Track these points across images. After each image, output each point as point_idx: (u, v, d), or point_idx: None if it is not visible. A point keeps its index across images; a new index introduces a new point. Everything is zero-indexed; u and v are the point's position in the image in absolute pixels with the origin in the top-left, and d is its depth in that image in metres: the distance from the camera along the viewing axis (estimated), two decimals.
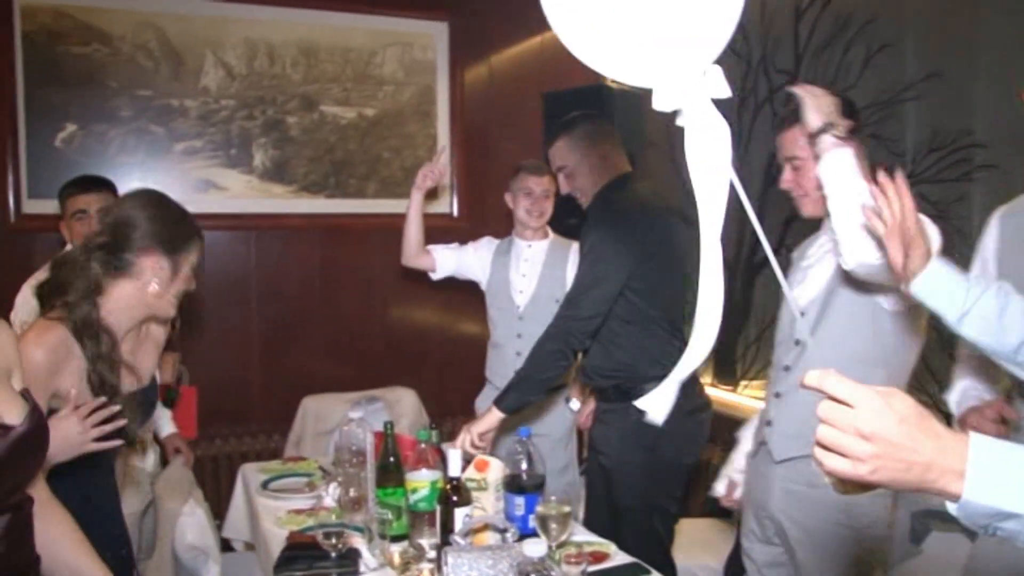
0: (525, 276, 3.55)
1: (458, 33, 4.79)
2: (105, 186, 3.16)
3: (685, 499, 3.55)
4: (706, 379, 4.03)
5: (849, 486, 1.00)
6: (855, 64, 3.30)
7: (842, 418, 0.96)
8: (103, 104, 4.17)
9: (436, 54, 4.77)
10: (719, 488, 2.58)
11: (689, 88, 1.15)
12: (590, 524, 2.67)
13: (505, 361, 3.49)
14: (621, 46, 1.13)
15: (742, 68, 3.70)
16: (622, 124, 3.65)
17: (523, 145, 4.54)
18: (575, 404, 3.51)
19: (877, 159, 3.06)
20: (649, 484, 2.80)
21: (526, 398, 2.77)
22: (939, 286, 1.66)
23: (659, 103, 1.18)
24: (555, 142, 2.94)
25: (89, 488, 2.00)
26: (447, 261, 3.75)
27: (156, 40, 4.24)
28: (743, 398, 3.98)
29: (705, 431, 2.95)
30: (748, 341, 3.80)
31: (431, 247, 3.76)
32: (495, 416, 2.71)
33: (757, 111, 3.63)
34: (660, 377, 2.62)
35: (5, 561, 1.35)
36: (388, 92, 4.69)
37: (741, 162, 3.74)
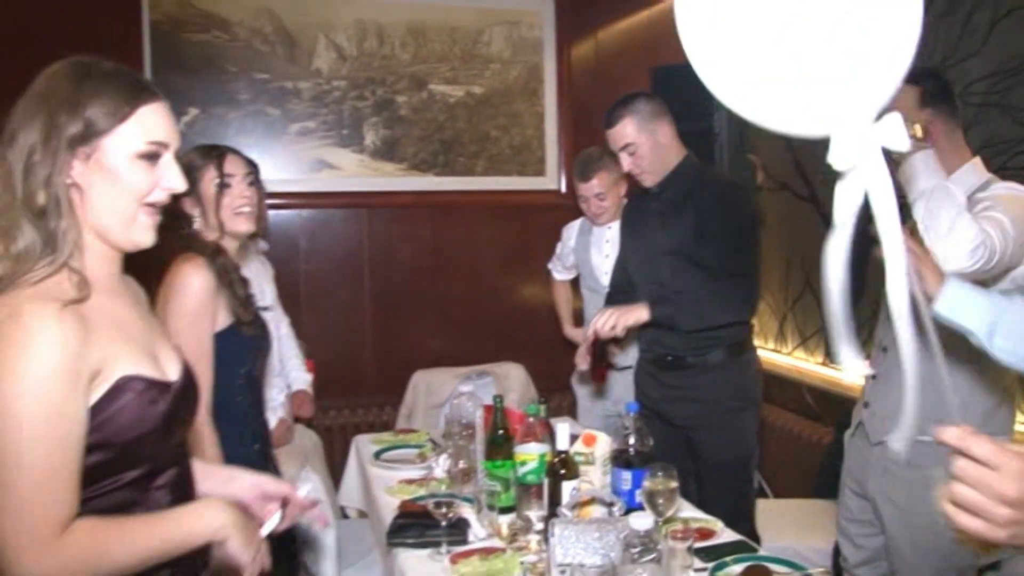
0: (608, 257, 3.67)
1: (564, 10, 4.77)
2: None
3: (793, 480, 3.52)
4: (817, 358, 3.94)
5: (979, 544, 0.98)
6: (980, 30, 3.14)
7: (985, 480, 0.94)
8: (222, 88, 4.33)
9: (542, 31, 4.77)
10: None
11: (864, 140, 0.98)
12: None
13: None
14: (790, 93, 0.96)
15: None
16: None
17: None
18: None
19: (1002, 130, 2.93)
20: (736, 446, 2.84)
21: (676, 320, 2.79)
22: (962, 303, 1.65)
23: (838, 160, 1.00)
24: (618, 122, 2.86)
25: None
26: (567, 274, 4.05)
27: (271, 25, 4.38)
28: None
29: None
30: (862, 319, 3.69)
31: (556, 280, 4.12)
32: (644, 313, 2.74)
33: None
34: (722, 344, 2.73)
35: None
36: (495, 70, 4.72)
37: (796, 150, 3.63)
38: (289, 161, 4.41)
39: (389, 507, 2.47)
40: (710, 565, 2.00)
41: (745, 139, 3.65)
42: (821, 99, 0.95)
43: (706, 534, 2.23)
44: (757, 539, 2.75)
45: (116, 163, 1.33)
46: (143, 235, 1.38)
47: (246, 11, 4.34)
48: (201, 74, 4.29)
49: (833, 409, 3.62)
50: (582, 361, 2.95)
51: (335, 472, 3.69)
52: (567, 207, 4.60)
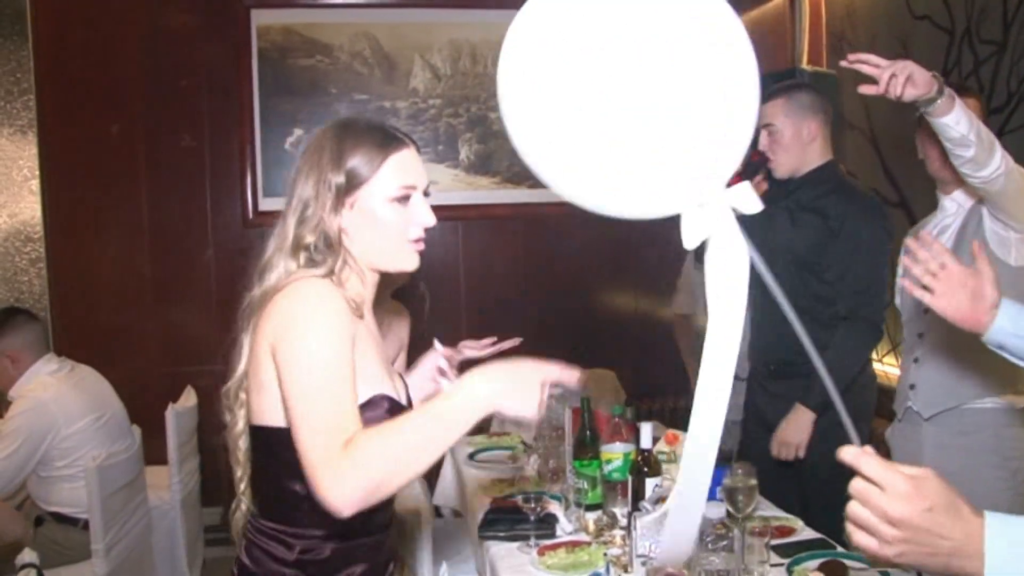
0: None
1: None
2: None
3: None
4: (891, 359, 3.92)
5: (873, 560, 1.03)
6: None
7: (872, 499, 0.99)
8: (325, 109, 4.58)
9: None
10: None
11: (715, 213, 1.00)
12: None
13: (699, 334, 3.67)
14: (630, 183, 0.97)
15: (944, 40, 3.56)
16: None
17: None
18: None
19: None
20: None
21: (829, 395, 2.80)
22: (1017, 329, 1.61)
23: (689, 238, 1.02)
24: (770, 100, 2.81)
25: None
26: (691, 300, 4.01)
27: (370, 48, 4.60)
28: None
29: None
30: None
31: (678, 316, 4.10)
32: (809, 419, 2.74)
33: (962, 86, 3.48)
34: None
35: None
36: None
37: None
38: None
39: (482, 504, 2.59)
40: (787, 561, 2.07)
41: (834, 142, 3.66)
42: (665, 184, 0.96)
43: (785, 531, 2.29)
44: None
45: (373, 206, 1.55)
46: (407, 262, 1.62)
47: (346, 36, 4.57)
48: (305, 97, 4.55)
49: None
50: None
51: (431, 474, 3.84)
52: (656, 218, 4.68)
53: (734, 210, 0.97)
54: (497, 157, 4.78)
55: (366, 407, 1.49)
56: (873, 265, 2.77)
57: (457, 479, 3.16)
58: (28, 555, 2.24)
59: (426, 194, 1.62)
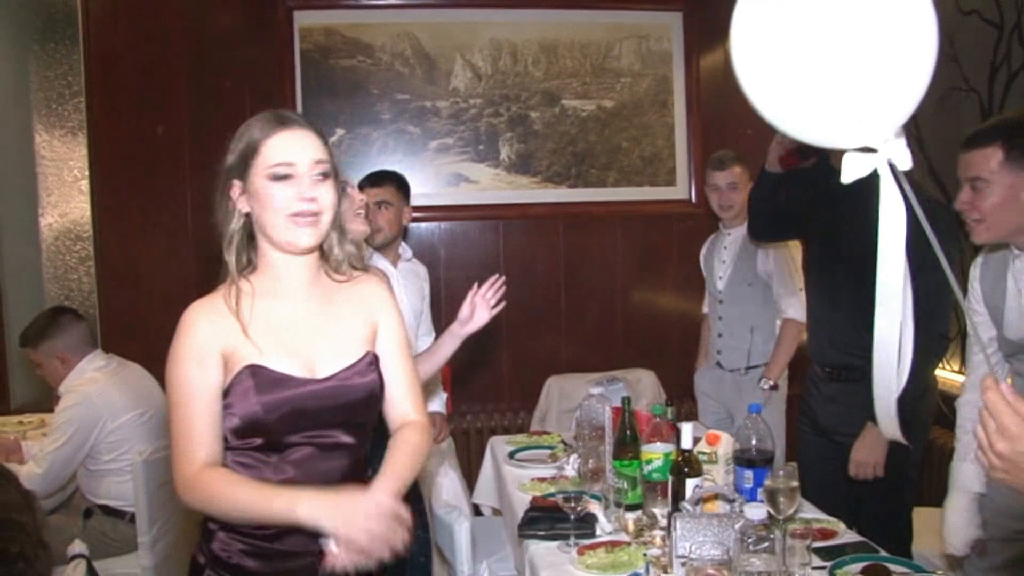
0: (724, 262, 3.79)
1: (692, 21, 4.83)
2: (387, 179, 3.38)
3: (927, 488, 3.44)
4: (954, 366, 3.86)
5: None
6: None
7: (988, 429, 1.15)
8: (367, 110, 4.61)
9: (671, 44, 4.84)
10: (959, 546, 2.38)
11: (876, 158, 1.09)
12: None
13: (713, 341, 3.85)
14: (817, 109, 1.06)
15: (993, 35, 3.50)
16: None
17: (759, 130, 4.45)
18: (765, 384, 3.63)
19: None
20: (897, 459, 2.75)
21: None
22: None
23: (848, 173, 1.11)
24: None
25: None
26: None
27: (411, 48, 4.63)
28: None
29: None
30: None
31: (706, 311, 4.07)
32: (882, 441, 2.72)
33: (1010, 82, 3.42)
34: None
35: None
36: (625, 84, 4.83)
37: None
38: (429, 176, 4.64)
39: (522, 503, 2.60)
40: (829, 564, 2.05)
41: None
42: (850, 116, 1.06)
43: (828, 534, 2.27)
44: (910, 555, 2.72)
45: (258, 186, 1.68)
46: (297, 239, 1.67)
47: (388, 36, 4.60)
48: (347, 97, 4.59)
49: None
50: None
51: (471, 472, 3.87)
52: (698, 216, 4.67)
53: (889, 162, 1.08)
54: (537, 157, 4.78)
55: (234, 381, 1.66)
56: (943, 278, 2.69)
57: (497, 478, 3.17)
58: (78, 546, 2.29)
59: (325, 176, 1.69)
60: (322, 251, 1.77)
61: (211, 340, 1.66)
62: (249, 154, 1.67)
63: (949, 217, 2.54)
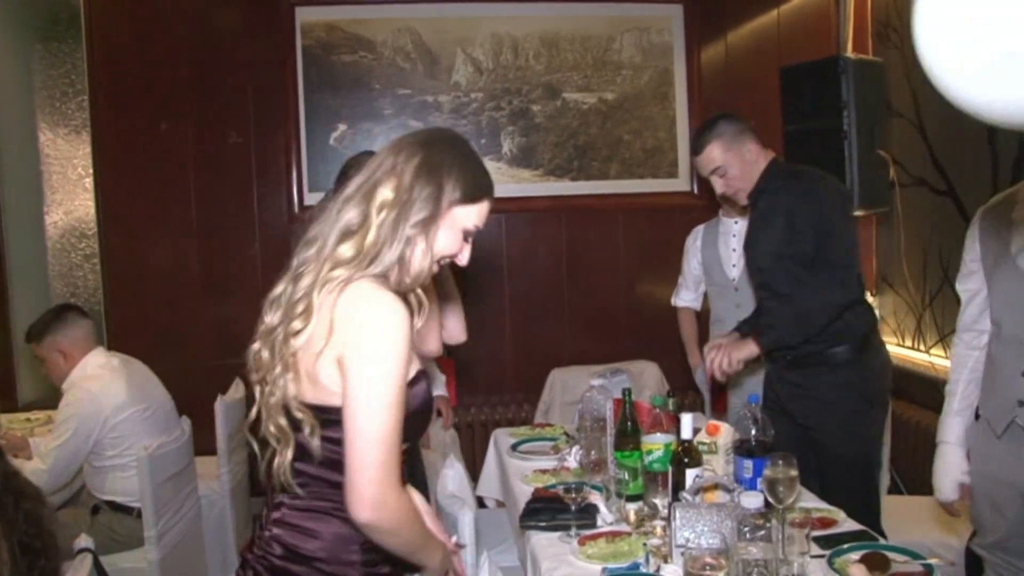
0: (735, 250, 3.73)
1: (693, 13, 4.84)
2: None
3: (920, 477, 3.45)
4: (908, 341, 3.88)
5: None
6: None
7: None
8: (369, 105, 4.63)
9: (672, 36, 4.85)
10: (948, 493, 2.48)
11: None
12: None
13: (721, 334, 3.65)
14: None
15: None
16: (860, 95, 3.60)
17: (762, 121, 4.47)
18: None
19: None
20: (858, 429, 2.84)
21: (785, 340, 2.85)
22: None
23: None
24: (704, 148, 2.92)
25: None
26: (696, 293, 4.05)
27: (412, 43, 4.64)
28: None
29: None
30: None
31: (681, 308, 4.10)
32: (754, 347, 2.84)
33: None
34: (844, 339, 2.75)
35: None
36: (626, 76, 4.83)
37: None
38: None
39: (524, 495, 2.61)
40: (828, 552, 2.06)
41: (876, 136, 3.62)
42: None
43: (827, 523, 2.28)
44: (883, 537, 2.75)
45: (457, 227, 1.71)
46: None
47: (389, 31, 4.62)
48: (349, 92, 4.60)
49: None
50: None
51: (476, 464, 3.89)
52: (700, 208, 4.67)
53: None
54: (539, 150, 4.79)
55: (412, 384, 1.63)
56: (830, 231, 2.78)
57: (500, 469, 3.19)
58: (84, 540, 2.30)
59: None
60: None
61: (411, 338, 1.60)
62: (470, 197, 1.70)
63: (829, 182, 2.90)
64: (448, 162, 1.65)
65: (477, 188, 1.69)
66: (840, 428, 2.83)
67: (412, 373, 1.64)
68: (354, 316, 1.54)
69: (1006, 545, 2.37)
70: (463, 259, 1.76)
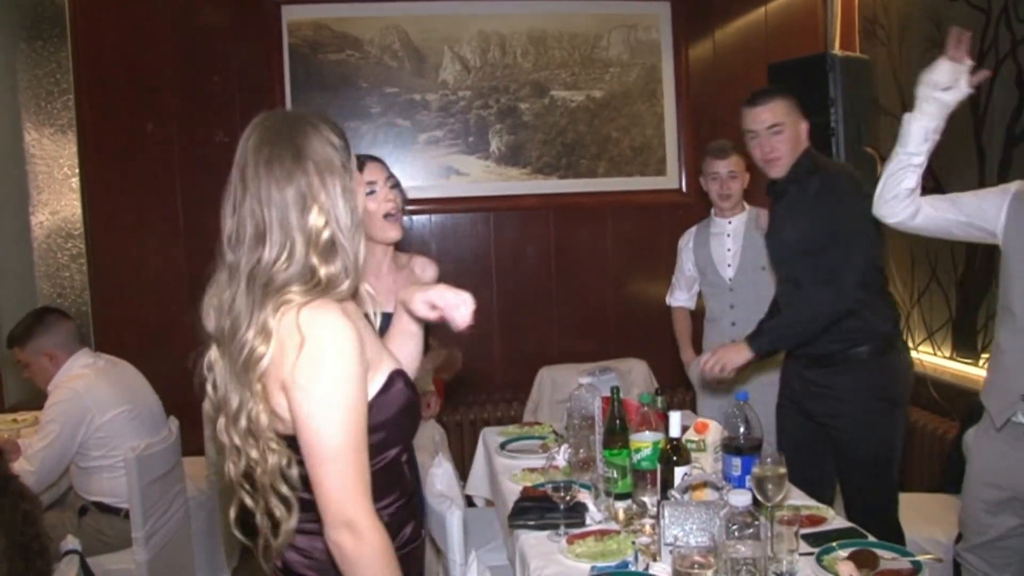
0: (730, 250, 3.74)
1: (681, 10, 4.84)
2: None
3: (907, 474, 3.47)
4: (944, 352, 3.88)
5: None
6: None
7: None
8: (356, 103, 4.62)
9: (660, 33, 4.85)
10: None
11: None
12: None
13: (721, 333, 3.73)
14: None
15: (981, 20, 3.51)
16: (848, 92, 3.60)
17: None
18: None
19: None
20: (883, 434, 2.80)
21: (778, 346, 2.86)
22: None
23: None
24: (772, 100, 2.86)
25: None
26: (687, 293, 4.03)
27: (399, 41, 4.63)
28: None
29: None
30: (991, 311, 3.62)
31: (676, 307, 4.07)
32: (747, 352, 2.82)
33: (998, 66, 3.43)
34: (865, 340, 2.71)
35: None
36: (614, 74, 4.83)
37: (981, 120, 3.57)
38: (419, 169, 4.65)
39: (513, 493, 2.61)
40: (817, 550, 2.06)
41: (863, 133, 3.62)
42: None
43: (816, 520, 2.28)
44: (901, 536, 2.75)
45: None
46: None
47: (376, 30, 4.61)
48: (336, 91, 4.59)
49: (959, 403, 3.56)
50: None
51: (464, 463, 3.88)
52: (688, 205, 4.68)
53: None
54: (527, 148, 4.79)
55: (387, 389, 1.59)
56: (838, 235, 2.74)
57: (488, 468, 3.18)
58: (71, 542, 2.29)
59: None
60: None
61: (365, 357, 1.52)
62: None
63: (851, 183, 2.80)
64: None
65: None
66: (860, 428, 2.80)
67: (384, 376, 1.60)
68: (309, 345, 1.47)
69: (994, 545, 2.39)
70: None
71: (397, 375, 1.63)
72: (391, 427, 1.59)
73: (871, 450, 2.81)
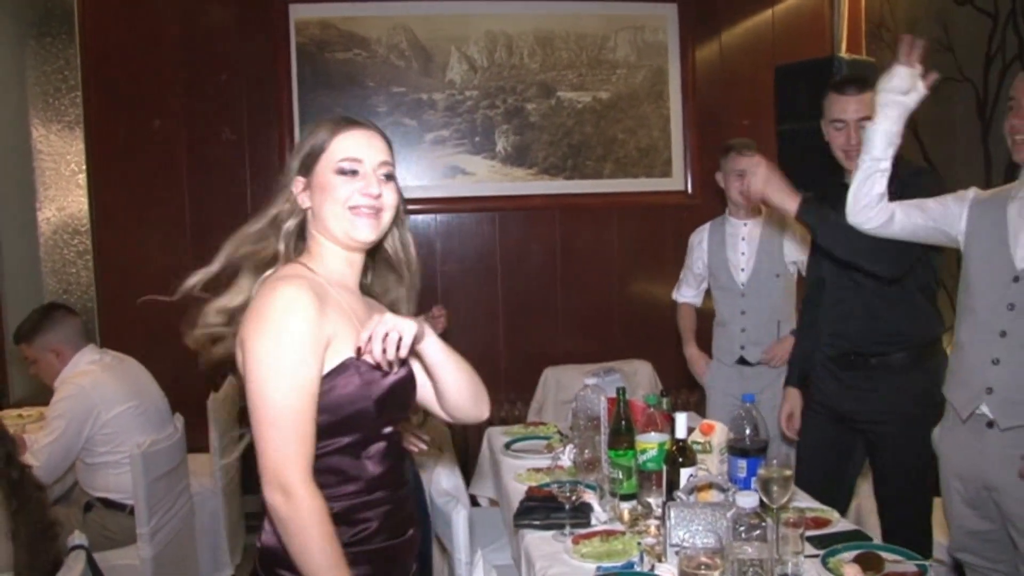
0: (744, 254, 3.65)
1: (688, 12, 4.84)
2: None
3: None
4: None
5: None
6: None
7: None
8: (363, 103, 4.63)
9: (667, 35, 4.85)
10: None
11: None
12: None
13: (731, 338, 3.67)
14: None
15: (988, 25, 3.51)
16: None
17: (756, 120, 4.54)
18: None
19: None
20: (915, 452, 2.76)
21: (816, 229, 2.70)
22: None
23: None
24: (868, 92, 2.66)
25: None
26: (695, 290, 3.96)
27: (407, 41, 4.64)
28: None
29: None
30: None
31: (682, 303, 4.00)
32: (791, 205, 2.64)
33: (1005, 71, 3.43)
34: (904, 346, 2.72)
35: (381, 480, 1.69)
36: (621, 75, 4.83)
37: (988, 124, 3.56)
38: (425, 169, 4.65)
39: (518, 493, 2.61)
40: (822, 552, 2.06)
41: None
42: None
43: (821, 523, 2.28)
44: (931, 544, 2.76)
45: (325, 179, 1.68)
46: (355, 230, 1.68)
47: (383, 29, 4.61)
48: (343, 90, 4.60)
49: None
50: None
51: (469, 463, 3.88)
52: (694, 207, 4.68)
53: None
54: (533, 148, 4.79)
55: (337, 372, 1.61)
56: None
57: (493, 468, 3.19)
58: (78, 537, 2.30)
59: (389, 177, 1.72)
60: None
61: (322, 327, 1.58)
62: (317, 151, 1.69)
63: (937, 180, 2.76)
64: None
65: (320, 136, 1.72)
66: (899, 433, 2.78)
67: (339, 359, 1.61)
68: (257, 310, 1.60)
69: (985, 539, 2.41)
70: (369, 191, 1.68)
71: (355, 366, 1.63)
72: (337, 412, 1.61)
73: (910, 455, 2.77)
